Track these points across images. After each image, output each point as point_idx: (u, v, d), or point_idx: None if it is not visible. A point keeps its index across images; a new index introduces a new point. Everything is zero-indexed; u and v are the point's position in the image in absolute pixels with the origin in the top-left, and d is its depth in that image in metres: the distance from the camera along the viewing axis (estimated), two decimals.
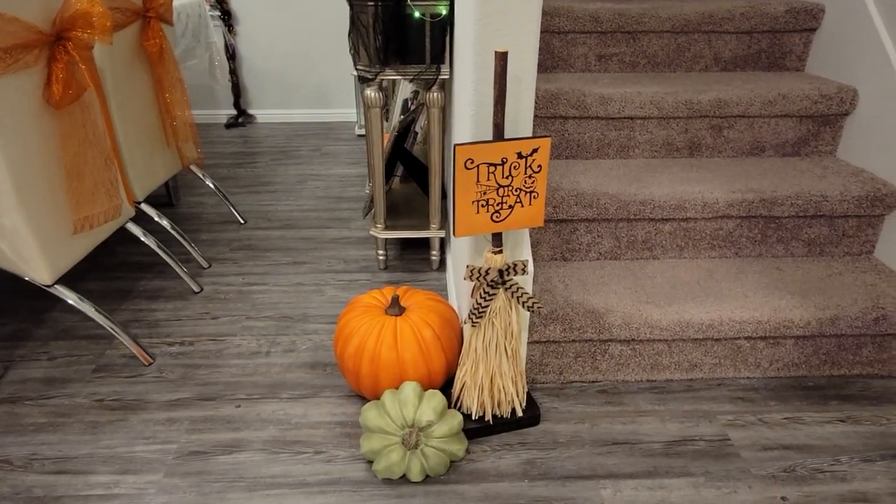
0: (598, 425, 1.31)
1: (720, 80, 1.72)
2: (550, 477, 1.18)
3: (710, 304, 1.37)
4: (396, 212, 2.00)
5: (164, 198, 2.36)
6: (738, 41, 1.79)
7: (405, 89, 2.37)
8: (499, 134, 1.06)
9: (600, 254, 1.56)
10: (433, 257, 1.92)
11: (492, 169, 1.05)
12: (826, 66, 1.75)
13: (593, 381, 1.43)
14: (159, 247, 1.76)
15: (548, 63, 1.81)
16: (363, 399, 1.37)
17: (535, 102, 1.59)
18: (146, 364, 1.49)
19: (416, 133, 2.20)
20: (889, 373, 1.45)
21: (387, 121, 2.55)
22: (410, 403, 1.15)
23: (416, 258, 2.00)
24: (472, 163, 1.03)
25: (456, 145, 1.01)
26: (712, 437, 1.28)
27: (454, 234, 1.10)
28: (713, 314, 1.34)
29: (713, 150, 1.69)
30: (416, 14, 1.53)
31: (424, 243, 2.08)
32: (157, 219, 1.85)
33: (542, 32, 1.77)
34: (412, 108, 2.25)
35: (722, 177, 1.55)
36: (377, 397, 1.27)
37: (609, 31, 1.77)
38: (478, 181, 1.05)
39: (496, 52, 0.99)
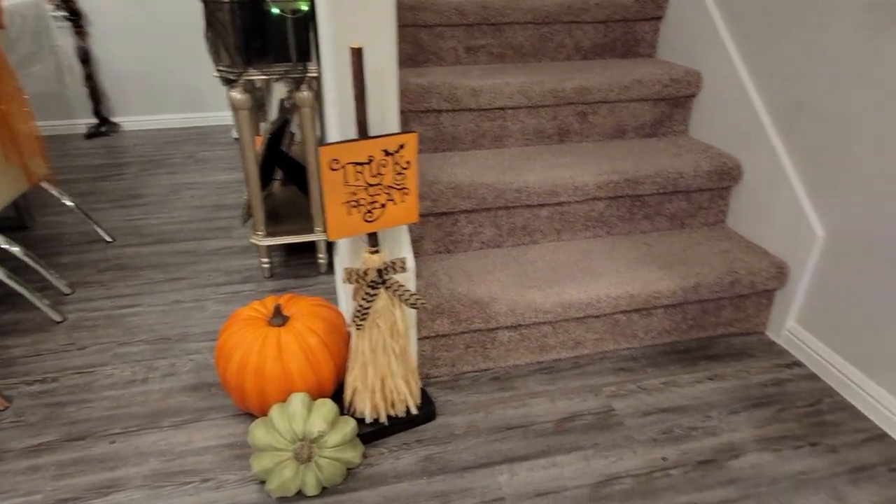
0: (493, 412, 1.33)
1: (582, 68, 1.80)
2: (448, 470, 1.19)
3: (587, 284, 1.44)
4: (279, 216, 1.92)
5: (15, 220, 2.13)
6: (596, 30, 1.88)
7: (281, 89, 2.28)
8: (363, 132, 1.04)
9: (483, 243, 1.58)
10: (320, 260, 1.87)
11: (359, 168, 1.03)
12: (673, 52, 1.88)
13: (485, 370, 1.46)
14: (9, 276, 1.58)
15: (418, 57, 1.81)
16: (252, 417, 1.31)
17: (408, 97, 1.59)
18: (1, 409, 1.34)
19: (294, 133, 2.13)
20: (745, 330, 1.60)
21: (265, 122, 2.45)
22: (299, 416, 1.11)
23: (303, 263, 1.94)
24: (337, 163, 1.00)
25: (319, 147, 0.98)
26: (598, 410, 1.34)
27: (327, 237, 1.07)
28: (591, 293, 1.41)
29: (581, 135, 1.76)
30: (275, 10, 1.47)
31: (311, 247, 2.02)
32: (5, 245, 1.66)
33: (408, 26, 1.76)
34: (288, 107, 2.17)
35: (590, 160, 1.63)
36: (266, 413, 1.22)
37: (475, 24, 1.79)
38: (346, 182, 1.03)
39: (351, 48, 0.97)
